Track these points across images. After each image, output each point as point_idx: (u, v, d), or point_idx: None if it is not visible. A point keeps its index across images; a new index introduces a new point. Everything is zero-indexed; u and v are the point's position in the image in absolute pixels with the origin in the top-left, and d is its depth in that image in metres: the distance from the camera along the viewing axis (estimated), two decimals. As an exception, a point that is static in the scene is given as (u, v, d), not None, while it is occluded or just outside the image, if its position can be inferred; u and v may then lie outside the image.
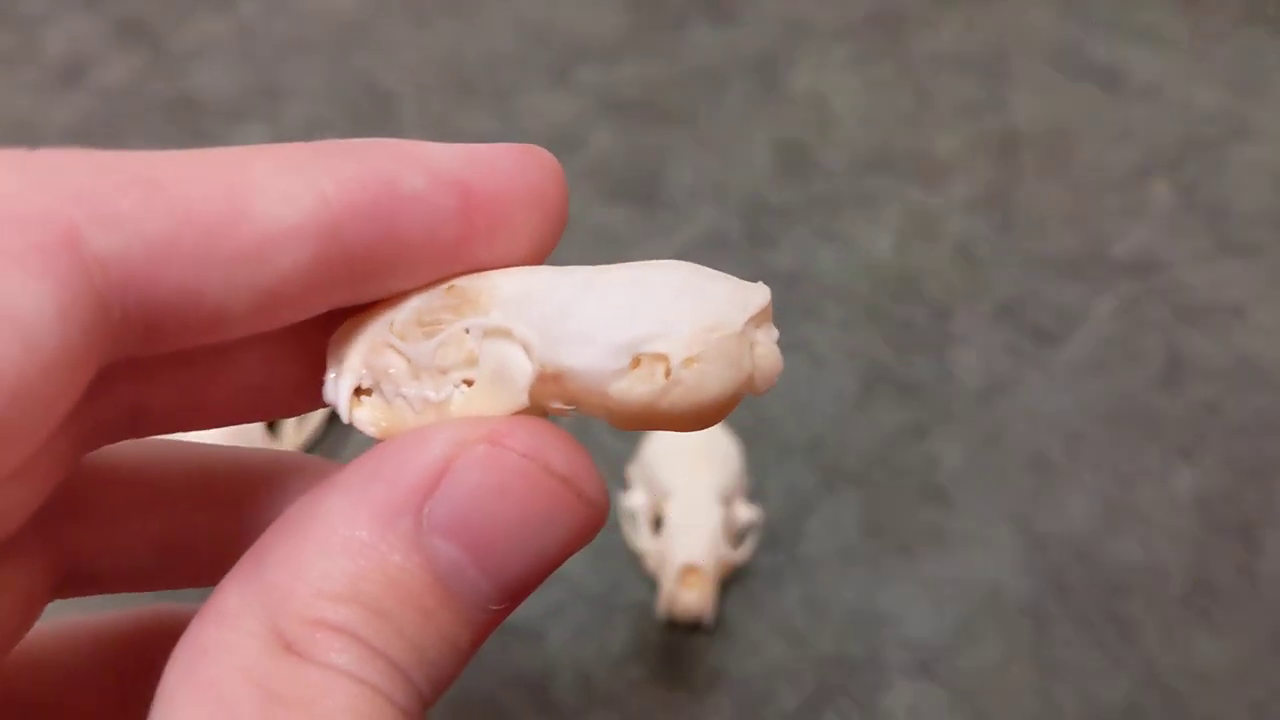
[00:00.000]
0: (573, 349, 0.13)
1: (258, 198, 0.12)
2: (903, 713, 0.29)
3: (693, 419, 0.13)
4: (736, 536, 0.31)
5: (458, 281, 0.13)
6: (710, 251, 0.41)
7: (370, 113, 0.47)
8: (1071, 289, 0.40)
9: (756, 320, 0.13)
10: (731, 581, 0.32)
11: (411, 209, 0.13)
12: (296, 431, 0.34)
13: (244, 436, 0.31)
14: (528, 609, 0.30)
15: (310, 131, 0.46)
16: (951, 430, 0.35)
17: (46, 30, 0.51)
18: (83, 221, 0.11)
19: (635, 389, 0.13)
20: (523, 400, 0.13)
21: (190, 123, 0.46)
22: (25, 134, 0.46)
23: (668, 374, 0.12)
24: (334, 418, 0.34)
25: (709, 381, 0.13)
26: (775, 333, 0.13)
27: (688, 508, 0.30)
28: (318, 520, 0.12)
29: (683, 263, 0.13)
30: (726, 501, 0.31)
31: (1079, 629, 0.31)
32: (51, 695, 0.16)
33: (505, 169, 0.13)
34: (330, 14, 0.52)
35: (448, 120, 0.47)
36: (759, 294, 0.13)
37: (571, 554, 0.13)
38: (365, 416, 0.14)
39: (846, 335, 0.38)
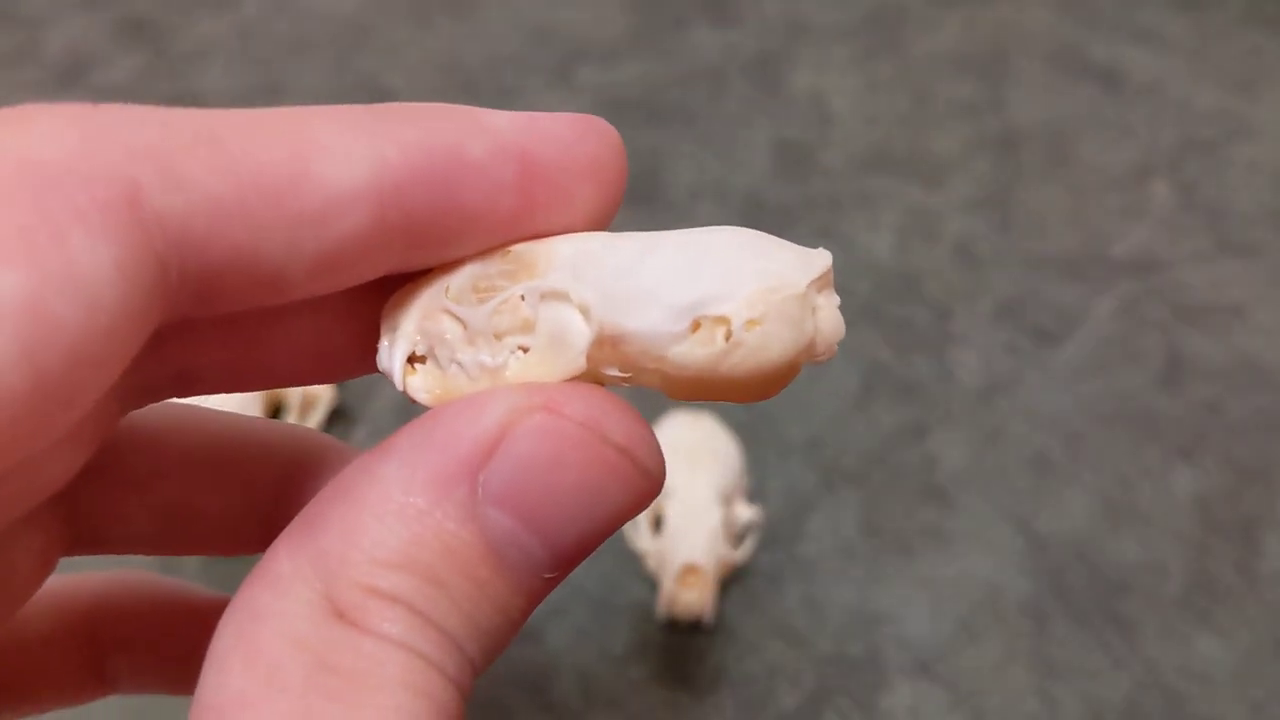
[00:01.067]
0: (632, 310, 0.12)
1: (320, 159, 0.11)
2: (903, 713, 0.29)
3: (754, 385, 0.13)
4: (736, 536, 0.31)
5: (515, 247, 0.13)
6: (710, 251, 0.41)
7: (370, 113, 0.47)
8: (1071, 289, 0.40)
9: (819, 284, 0.13)
10: (731, 581, 0.32)
11: (472, 177, 0.12)
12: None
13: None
14: (528, 609, 0.30)
15: (310, 131, 0.46)
16: (951, 430, 0.35)
17: (47, 30, 0.51)
18: (145, 180, 0.10)
19: (696, 352, 0.12)
20: (580, 364, 0.13)
21: (191, 123, 0.47)
22: (26, 134, 0.46)
23: (728, 337, 0.12)
24: (335, 415, 0.34)
25: (771, 343, 0.12)
26: (836, 298, 0.13)
27: (688, 508, 0.30)
28: (372, 486, 0.12)
29: (743, 228, 0.13)
30: (726, 501, 0.31)
31: (1079, 629, 0.31)
32: (22, 658, 0.16)
33: (564, 138, 0.13)
34: (331, 14, 0.52)
35: (448, 120, 0.47)
36: (821, 258, 0.13)
37: (626, 521, 0.13)
38: (419, 384, 0.13)
39: (847, 335, 0.38)
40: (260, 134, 0.11)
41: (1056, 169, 0.44)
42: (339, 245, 0.12)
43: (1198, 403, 0.36)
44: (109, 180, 0.10)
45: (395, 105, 0.12)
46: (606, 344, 0.13)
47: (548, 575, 0.12)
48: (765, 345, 0.12)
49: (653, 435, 0.13)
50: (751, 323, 0.12)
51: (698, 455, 0.31)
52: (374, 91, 0.48)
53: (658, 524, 0.31)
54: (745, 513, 0.31)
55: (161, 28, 0.51)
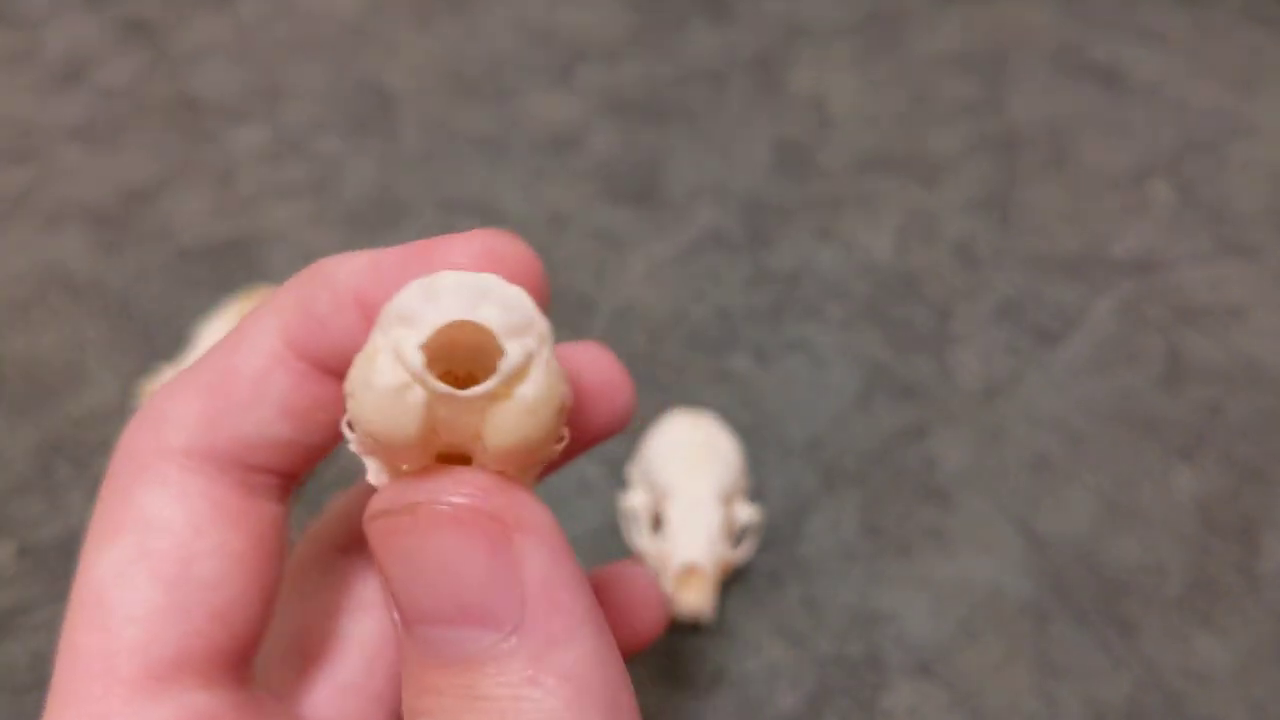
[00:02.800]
0: None
1: (238, 355, 0.15)
2: (903, 713, 0.29)
3: (402, 448, 0.13)
4: (736, 536, 0.31)
5: None
6: (710, 251, 0.41)
7: (370, 114, 0.47)
8: (1071, 289, 0.40)
9: (394, 319, 0.13)
10: (731, 581, 0.32)
11: (327, 328, 0.15)
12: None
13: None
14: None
15: (311, 132, 0.46)
16: (951, 430, 0.35)
17: (47, 30, 0.51)
18: (160, 433, 0.15)
19: (359, 441, 0.13)
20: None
21: (191, 123, 0.46)
22: (25, 134, 0.46)
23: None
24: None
25: (363, 411, 0.13)
26: (426, 327, 0.13)
27: (688, 508, 0.30)
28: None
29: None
30: (726, 501, 0.31)
31: (1079, 629, 0.31)
32: None
33: (391, 273, 0.14)
34: (331, 15, 0.52)
35: (448, 121, 0.47)
36: (407, 290, 0.13)
37: (498, 547, 0.13)
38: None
39: (846, 335, 0.38)
40: (212, 357, 0.15)
41: (1056, 169, 0.44)
42: (285, 401, 0.15)
43: (1198, 403, 0.36)
44: (144, 447, 0.15)
45: (295, 279, 0.15)
46: None
47: (488, 644, 0.12)
48: (361, 414, 0.13)
49: (447, 476, 0.13)
50: (350, 397, 0.13)
51: (698, 455, 0.31)
52: (373, 92, 0.48)
53: (658, 524, 0.31)
54: (745, 513, 0.31)
55: (161, 28, 0.51)
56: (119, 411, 0.35)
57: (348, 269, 0.15)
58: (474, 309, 0.12)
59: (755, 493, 0.33)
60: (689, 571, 0.29)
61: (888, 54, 0.50)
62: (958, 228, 0.42)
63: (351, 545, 0.19)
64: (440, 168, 0.45)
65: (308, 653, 0.18)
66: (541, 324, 0.13)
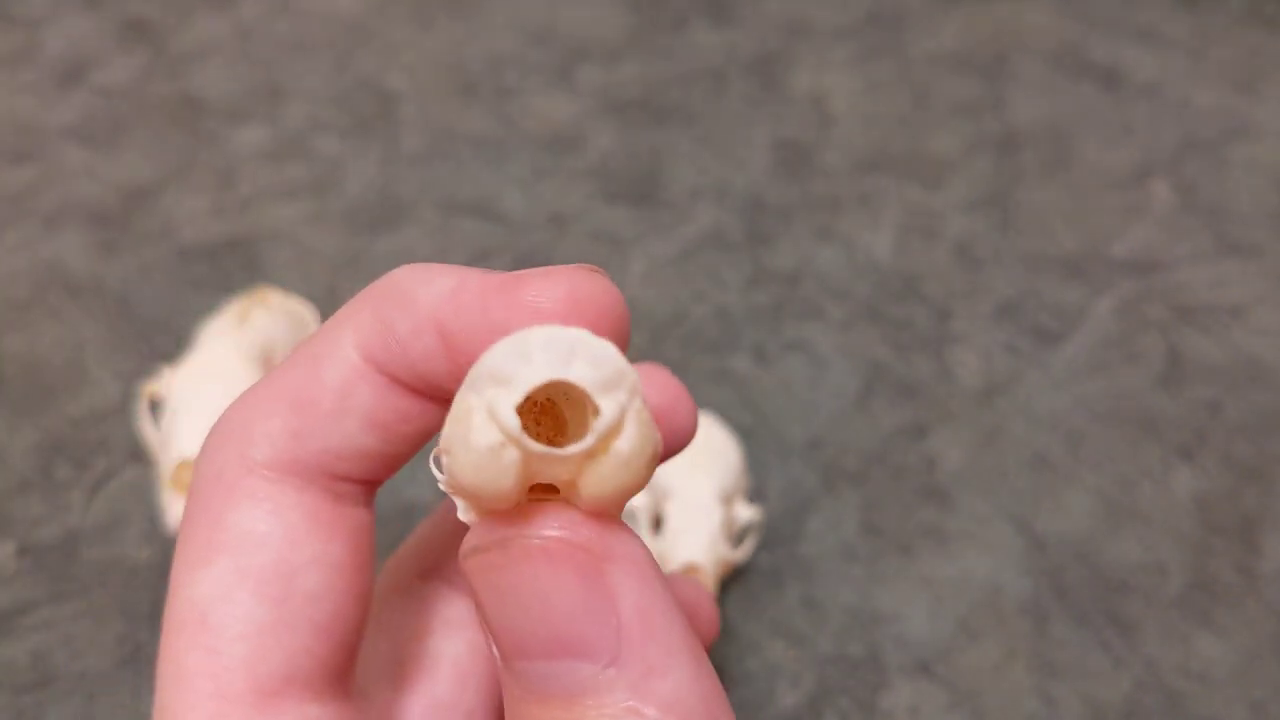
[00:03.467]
0: None
1: (321, 369, 0.15)
2: (903, 713, 0.29)
3: (496, 499, 0.13)
4: (736, 536, 0.31)
5: None
6: (710, 251, 0.41)
7: (371, 114, 0.47)
8: (1071, 289, 0.40)
9: (486, 380, 0.13)
10: (731, 581, 0.32)
11: (404, 349, 0.15)
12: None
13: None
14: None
15: (311, 132, 0.46)
16: (951, 430, 0.35)
17: (46, 30, 0.51)
18: (244, 451, 0.15)
19: (454, 491, 0.13)
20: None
21: (191, 123, 0.46)
22: (25, 134, 0.46)
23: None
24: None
25: (457, 468, 0.13)
26: (519, 388, 0.13)
27: (688, 508, 0.30)
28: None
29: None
30: (726, 501, 0.31)
31: (1079, 629, 0.31)
32: None
33: (473, 305, 0.14)
34: (331, 15, 0.52)
35: (448, 121, 0.47)
36: (491, 352, 0.13)
37: (588, 578, 0.13)
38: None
39: (846, 335, 0.38)
40: (293, 369, 0.16)
41: (1056, 169, 0.44)
42: (370, 413, 0.15)
43: (1198, 403, 0.36)
44: (230, 466, 0.15)
45: (370, 295, 0.15)
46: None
47: (587, 675, 0.13)
48: (455, 470, 0.13)
49: (539, 513, 0.13)
50: (446, 454, 0.13)
51: (698, 455, 0.31)
52: (373, 92, 0.48)
53: (658, 524, 0.31)
54: (745, 513, 0.31)
55: (161, 28, 0.51)
56: (119, 411, 0.35)
57: (428, 294, 0.15)
58: (566, 367, 0.13)
59: (755, 493, 0.33)
60: (689, 571, 0.29)
61: (888, 54, 0.50)
62: (958, 228, 0.42)
63: (431, 571, 0.19)
64: (440, 168, 0.45)
65: (401, 671, 0.18)
66: (631, 376, 0.13)
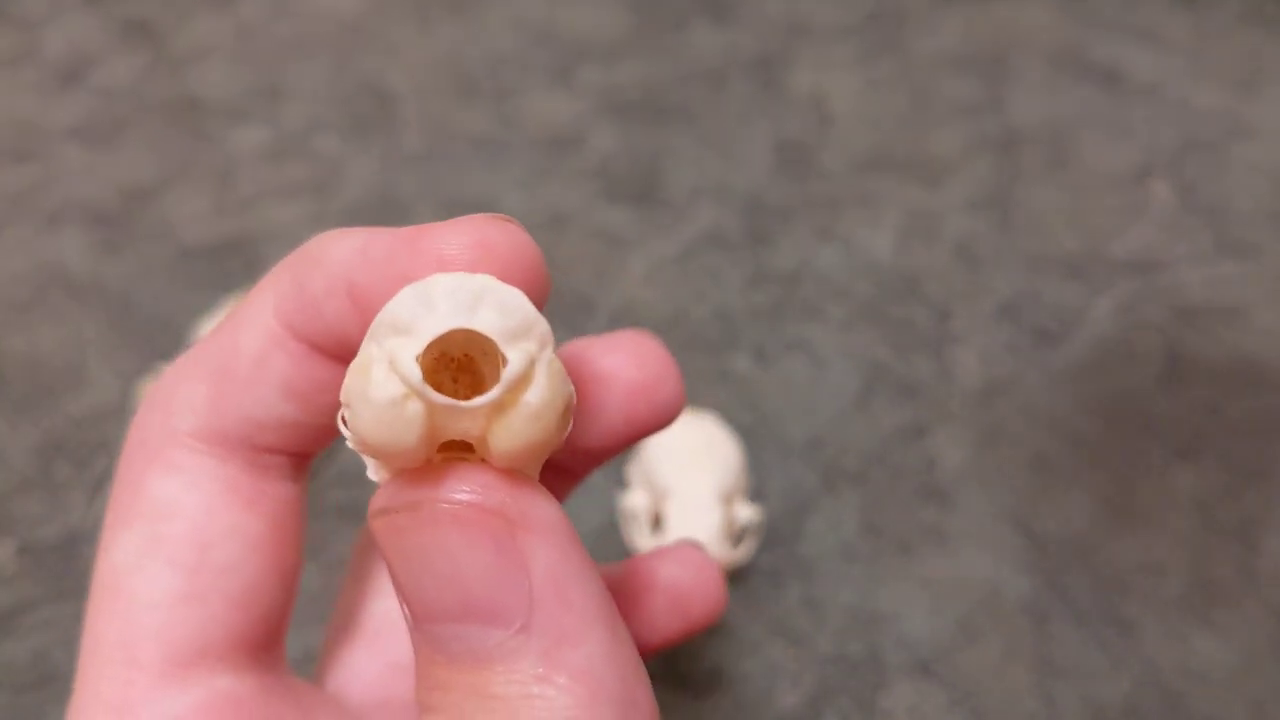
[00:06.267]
0: None
1: (239, 336, 0.15)
2: (903, 713, 0.29)
3: (400, 455, 0.12)
4: (736, 536, 0.31)
5: None
6: (710, 251, 0.41)
7: (371, 114, 0.47)
8: (1071, 289, 0.40)
9: (389, 327, 0.12)
10: (731, 581, 0.32)
11: (317, 309, 0.14)
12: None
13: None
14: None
15: (311, 132, 0.46)
16: (951, 430, 0.35)
17: (46, 30, 0.51)
18: (168, 419, 0.15)
19: (359, 446, 0.13)
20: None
21: (191, 123, 0.46)
22: (25, 134, 0.46)
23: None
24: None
25: (359, 423, 0.12)
26: (420, 338, 0.12)
27: (688, 508, 0.30)
28: None
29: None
30: (726, 501, 0.31)
31: (1078, 628, 0.31)
32: None
33: (381, 260, 0.14)
34: (331, 15, 0.52)
35: (448, 121, 0.47)
36: (389, 304, 0.12)
37: (503, 541, 0.12)
38: None
39: (846, 335, 0.38)
40: (218, 338, 0.15)
41: (1056, 169, 0.44)
42: (286, 381, 0.15)
43: (1197, 403, 0.36)
44: (153, 433, 0.15)
45: (291, 257, 0.15)
46: None
47: (495, 641, 0.12)
48: (358, 426, 0.12)
49: (451, 475, 0.13)
50: (346, 407, 0.13)
51: (698, 455, 0.31)
52: (374, 92, 0.48)
53: (658, 524, 0.31)
54: (745, 513, 0.31)
55: (161, 28, 0.51)
56: (119, 411, 0.35)
57: (338, 252, 0.14)
58: (471, 315, 0.12)
59: (755, 493, 0.33)
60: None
61: (888, 54, 0.50)
62: (958, 228, 0.42)
63: None
64: (440, 168, 0.45)
65: (356, 631, 0.18)
66: (541, 325, 0.12)
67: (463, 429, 0.12)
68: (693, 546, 0.20)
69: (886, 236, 0.42)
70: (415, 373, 0.12)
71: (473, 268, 0.13)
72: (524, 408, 0.12)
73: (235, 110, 0.47)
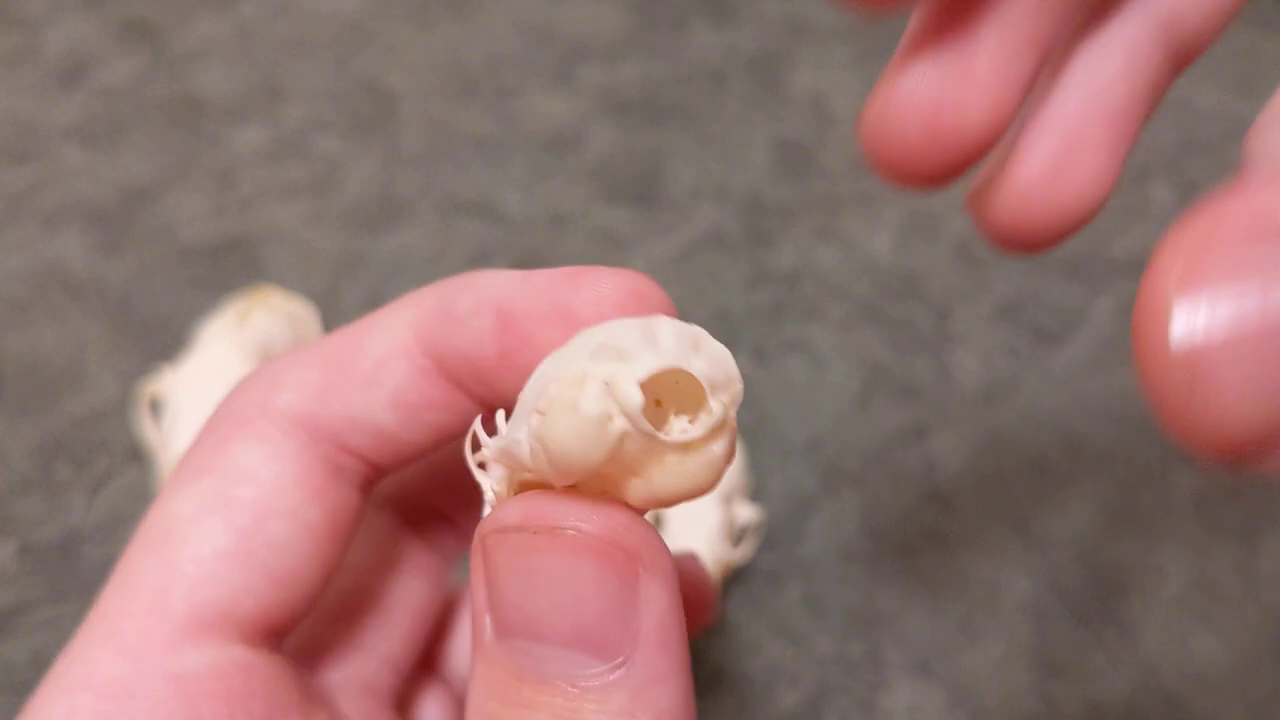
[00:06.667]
0: (517, 421, 0.13)
1: (367, 338, 0.16)
2: (903, 713, 0.29)
3: (582, 470, 0.13)
4: (736, 536, 0.31)
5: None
6: (710, 251, 0.41)
7: (371, 114, 0.47)
8: (1071, 289, 0.40)
9: (609, 354, 0.13)
10: (731, 581, 0.32)
11: (461, 327, 0.15)
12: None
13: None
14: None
15: (311, 132, 0.46)
16: (951, 430, 0.35)
17: (46, 30, 0.51)
18: (267, 395, 0.16)
19: (525, 454, 0.13)
20: (524, 476, 0.14)
21: (191, 123, 0.46)
22: (25, 134, 0.46)
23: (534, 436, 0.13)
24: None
25: (552, 429, 0.13)
26: (640, 367, 0.13)
27: (688, 508, 0.30)
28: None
29: (621, 322, 0.14)
30: (726, 501, 0.31)
31: (1079, 629, 0.31)
32: None
33: (534, 292, 0.15)
34: (331, 15, 0.52)
35: (448, 121, 0.47)
36: (616, 325, 0.13)
37: (631, 583, 0.13)
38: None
39: (846, 335, 0.38)
40: (336, 337, 0.16)
41: (1056, 169, 0.44)
42: (400, 391, 0.15)
43: (1197, 403, 0.36)
44: (248, 404, 0.16)
45: (438, 284, 0.16)
46: (535, 455, 0.13)
47: (605, 671, 0.13)
48: (550, 434, 0.13)
49: (586, 507, 0.13)
50: (540, 414, 0.13)
51: (698, 455, 0.31)
52: (374, 92, 0.48)
53: (657, 523, 0.31)
54: (745, 513, 0.31)
55: (161, 28, 0.51)
56: (119, 411, 0.35)
57: (493, 279, 0.15)
58: (688, 358, 0.13)
59: (755, 493, 0.33)
60: (689, 571, 0.29)
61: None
62: (958, 228, 0.42)
63: (393, 503, 0.19)
64: (440, 168, 0.45)
65: (345, 614, 0.18)
66: (738, 384, 0.13)
67: (634, 461, 0.13)
68: (690, 558, 0.21)
69: (886, 236, 0.42)
70: (637, 397, 0.12)
71: (625, 311, 0.15)
72: (707, 455, 0.13)
73: (235, 110, 0.47)
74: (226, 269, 0.40)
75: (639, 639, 0.13)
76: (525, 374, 0.14)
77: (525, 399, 0.13)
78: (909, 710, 0.29)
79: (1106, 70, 0.16)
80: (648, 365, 0.13)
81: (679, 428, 0.13)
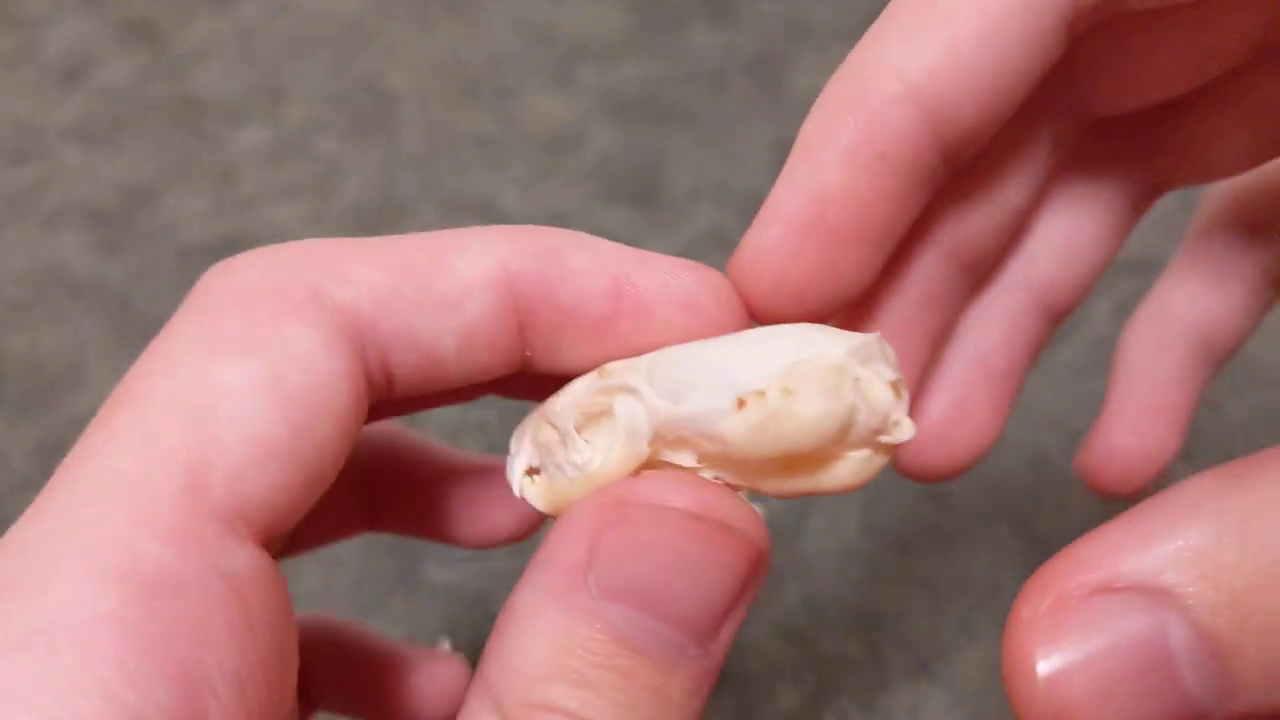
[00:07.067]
0: (688, 395, 0.14)
1: (453, 254, 0.15)
2: (903, 713, 0.29)
3: (810, 459, 0.14)
4: (737, 536, 0.31)
5: (608, 364, 0.15)
6: (710, 251, 0.41)
7: (371, 114, 0.47)
8: (1071, 289, 0.40)
9: (859, 356, 0.14)
10: (732, 581, 0.32)
11: (570, 278, 0.15)
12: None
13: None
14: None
15: (311, 132, 0.46)
16: (951, 430, 0.35)
17: (46, 30, 0.51)
18: (322, 282, 0.14)
19: (740, 426, 0.13)
20: (643, 449, 0.14)
21: (191, 123, 0.46)
22: (25, 134, 0.46)
23: (767, 408, 0.13)
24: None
25: (804, 408, 0.13)
26: (891, 374, 0.14)
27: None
28: (515, 614, 0.13)
29: (804, 325, 0.15)
30: (727, 501, 0.31)
31: (1079, 629, 0.31)
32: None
33: (660, 271, 0.15)
34: (331, 15, 0.52)
35: (448, 121, 0.47)
36: (865, 335, 0.14)
37: (745, 580, 0.14)
38: (533, 494, 0.15)
39: (846, 335, 0.38)
40: (406, 242, 0.15)
41: (1056, 169, 0.45)
42: (473, 322, 0.15)
43: (1198, 402, 0.36)
44: (299, 285, 0.14)
45: (523, 226, 0.15)
46: (669, 431, 0.14)
47: (693, 653, 0.13)
48: (799, 411, 0.13)
49: (731, 497, 0.14)
50: (786, 391, 0.13)
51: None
52: (374, 92, 0.48)
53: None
54: (745, 513, 0.32)
55: (161, 28, 0.51)
56: (119, 411, 0.35)
57: (607, 245, 0.15)
58: (896, 371, 0.15)
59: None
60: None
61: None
62: (958, 228, 0.42)
63: None
64: (440, 168, 0.45)
65: None
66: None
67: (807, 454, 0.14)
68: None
69: (886, 236, 0.41)
70: (888, 398, 0.14)
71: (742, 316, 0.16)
72: (875, 461, 0.15)
73: (235, 110, 0.47)
74: (226, 269, 0.40)
75: (722, 629, 0.13)
76: (633, 341, 0.15)
77: (693, 377, 0.14)
78: (909, 710, 0.29)
79: (990, 339, 0.19)
80: (890, 374, 0.14)
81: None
